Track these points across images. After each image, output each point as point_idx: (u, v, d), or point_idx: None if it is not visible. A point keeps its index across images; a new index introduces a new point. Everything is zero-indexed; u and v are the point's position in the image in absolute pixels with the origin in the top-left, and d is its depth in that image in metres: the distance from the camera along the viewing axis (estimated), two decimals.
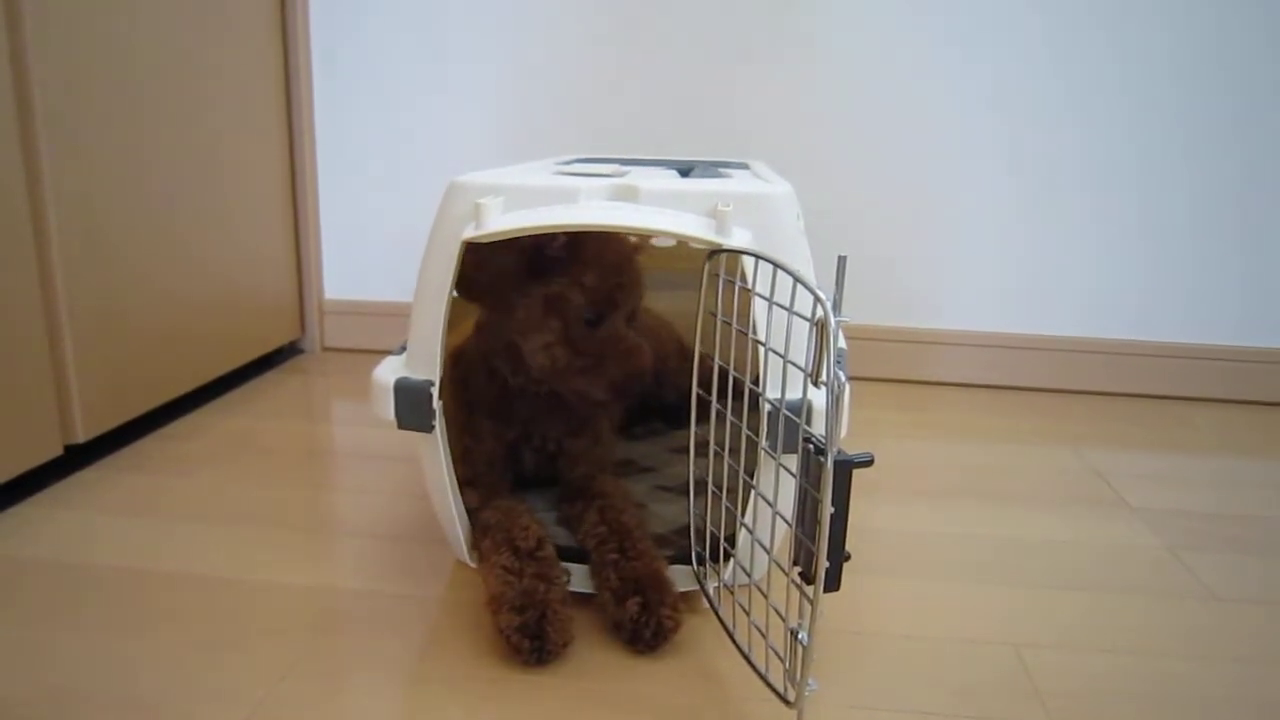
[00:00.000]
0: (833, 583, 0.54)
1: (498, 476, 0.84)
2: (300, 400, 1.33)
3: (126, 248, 1.08)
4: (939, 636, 0.74)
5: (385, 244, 1.54)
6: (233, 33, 1.28)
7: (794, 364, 0.60)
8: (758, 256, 0.61)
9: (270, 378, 1.42)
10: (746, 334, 0.65)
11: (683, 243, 0.69)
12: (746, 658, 0.63)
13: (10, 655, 0.68)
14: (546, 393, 0.81)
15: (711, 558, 0.72)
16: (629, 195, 0.68)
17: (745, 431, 0.64)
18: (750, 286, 0.64)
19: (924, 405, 1.37)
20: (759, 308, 0.65)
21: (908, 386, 1.47)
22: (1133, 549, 0.91)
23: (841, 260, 0.56)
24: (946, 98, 1.38)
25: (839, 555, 0.54)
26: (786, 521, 0.58)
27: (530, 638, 0.66)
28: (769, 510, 0.62)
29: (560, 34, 1.42)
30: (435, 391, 0.70)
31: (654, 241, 1.09)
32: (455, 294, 0.71)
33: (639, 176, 0.72)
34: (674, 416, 1.09)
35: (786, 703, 0.58)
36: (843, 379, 0.53)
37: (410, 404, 0.71)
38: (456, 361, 0.86)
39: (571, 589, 0.73)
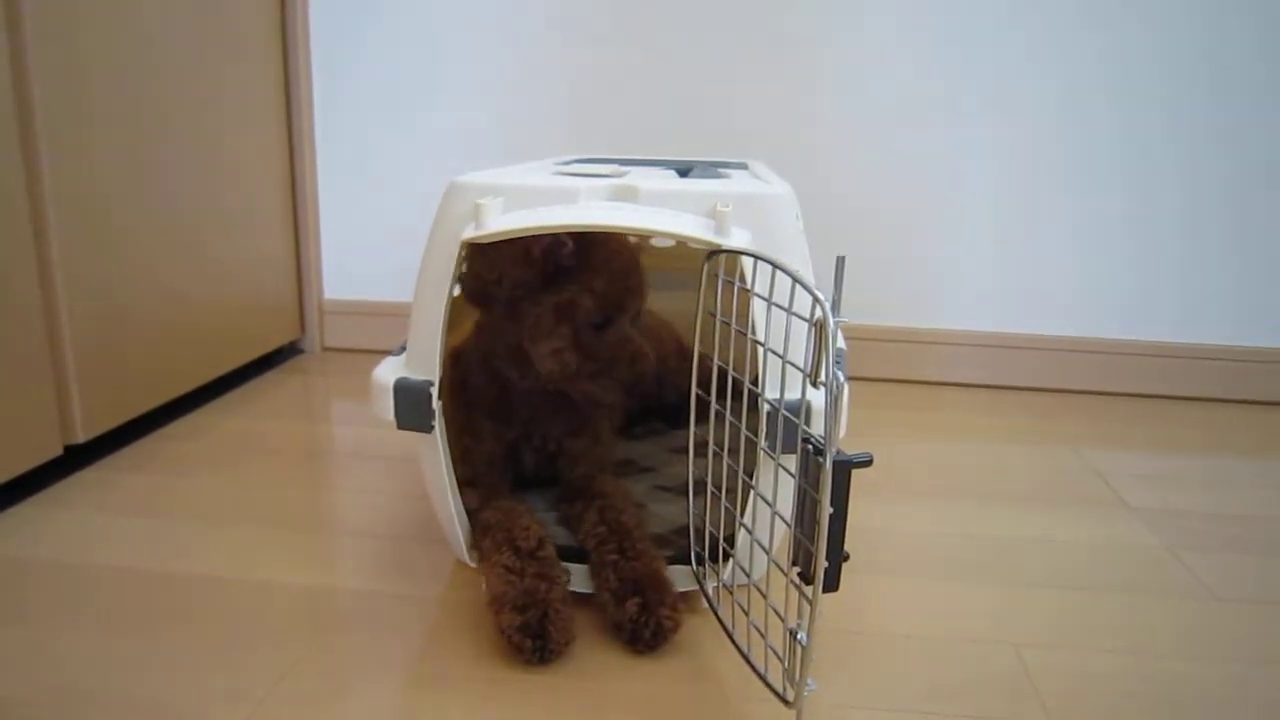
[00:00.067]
0: (832, 583, 0.54)
1: (498, 476, 0.84)
2: (300, 400, 1.33)
3: (126, 248, 1.08)
4: (938, 636, 0.74)
5: (385, 244, 1.54)
6: (233, 33, 1.28)
7: (793, 364, 0.60)
8: (757, 257, 0.61)
9: (270, 378, 1.42)
10: (746, 334, 0.65)
11: (682, 243, 0.69)
12: (746, 658, 0.64)
13: (10, 656, 0.68)
14: (548, 393, 0.81)
15: (711, 558, 0.72)
16: (628, 195, 0.68)
17: (744, 432, 0.64)
18: (749, 287, 0.64)
19: (923, 405, 1.37)
20: (758, 308, 0.65)
21: (907, 386, 1.47)
22: (1132, 549, 0.91)
23: (840, 261, 0.56)
24: (945, 98, 1.38)
25: (838, 555, 0.54)
26: (785, 522, 0.59)
27: (532, 637, 0.66)
28: (768, 510, 0.62)
29: (560, 34, 1.42)
30: (435, 392, 0.70)
31: (653, 241, 1.09)
32: (460, 294, 0.71)
33: (638, 177, 0.72)
34: (674, 416, 1.09)
35: (786, 703, 0.58)
36: (841, 379, 0.53)
37: (410, 404, 0.71)
38: (456, 361, 0.86)
39: (571, 589, 0.73)
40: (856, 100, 1.40)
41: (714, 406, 0.67)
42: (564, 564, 0.75)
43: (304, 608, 0.76)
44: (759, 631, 0.62)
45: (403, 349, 0.75)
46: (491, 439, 0.84)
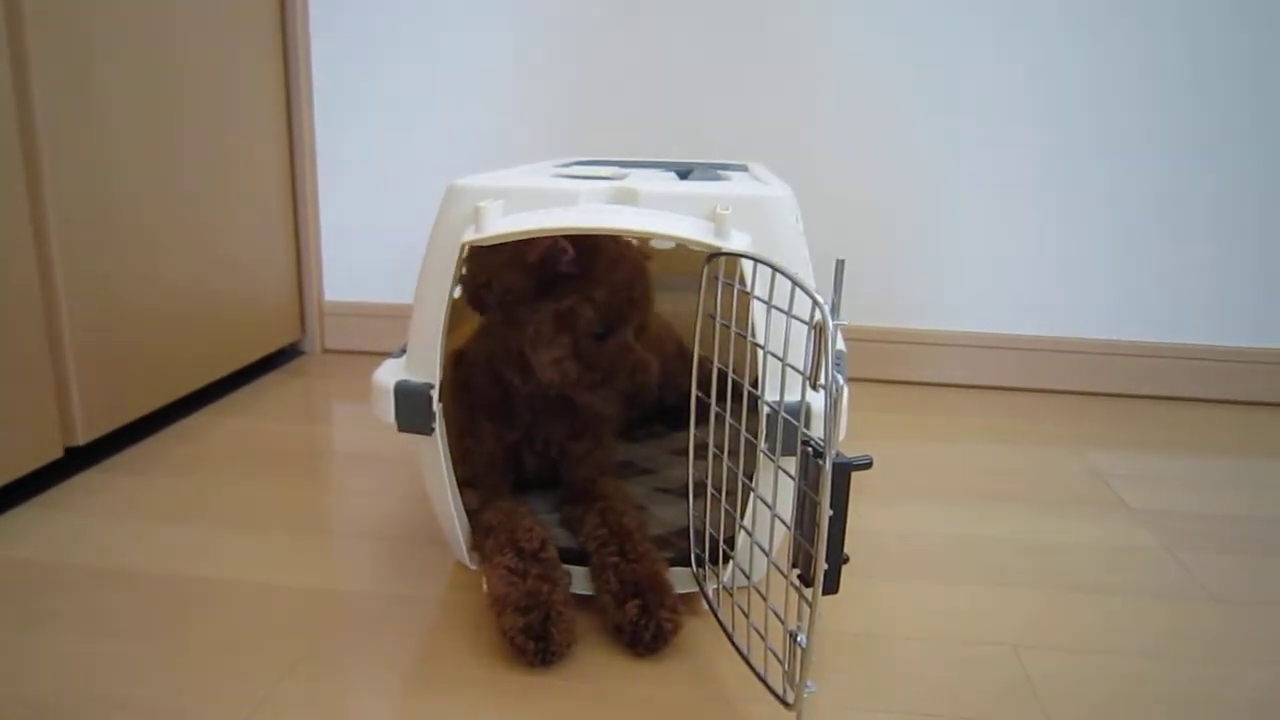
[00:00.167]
0: (831, 585, 0.54)
1: (498, 478, 0.84)
2: (301, 402, 1.33)
3: (127, 249, 1.08)
4: (937, 638, 0.74)
5: (385, 246, 1.54)
6: (233, 34, 1.28)
7: (792, 367, 0.60)
8: (756, 260, 0.61)
9: (271, 379, 1.42)
10: (745, 337, 0.65)
11: (682, 245, 0.69)
12: (746, 659, 0.64)
13: (10, 657, 0.68)
14: (550, 398, 0.81)
15: (711, 560, 0.72)
16: (628, 198, 0.68)
17: (744, 434, 0.64)
18: (749, 289, 0.64)
19: (922, 407, 1.38)
20: (758, 311, 0.65)
21: (907, 388, 1.47)
22: (1132, 550, 0.91)
23: (839, 264, 0.56)
24: (946, 99, 1.38)
25: (837, 557, 0.54)
26: (785, 524, 0.59)
27: (535, 639, 0.66)
28: (768, 512, 0.62)
29: (560, 34, 1.43)
30: (435, 394, 0.70)
31: (653, 243, 1.09)
32: (460, 296, 0.71)
33: (638, 179, 0.72)
34: (674, 418, 1.09)
35: (785, 704, 0.58)
36: (841, 382, 0.53)
37: (410, 406, 0.71)
38: (458, 362, 0.86)
39: (571, 591, 0.73)
40: (857, 101, 1.40)
41: (714, 409, 0.67)
42: (565, 566, 0.75)
43: (304, 609, 0.76)
44: (759, 633, 0.63)
45: (403, 351, 0.76)
46: (493, 440, 0.84)
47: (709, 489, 0.70)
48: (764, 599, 0.61)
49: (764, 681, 0.61)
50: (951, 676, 0.69)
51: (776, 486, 0.60)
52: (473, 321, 0.86)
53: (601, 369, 0.75)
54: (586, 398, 0.78)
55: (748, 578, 0.69)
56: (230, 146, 1.29)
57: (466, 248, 0.68)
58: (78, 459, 1.04)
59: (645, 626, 0.68)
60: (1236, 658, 0.73)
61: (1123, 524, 0.97)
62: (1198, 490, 1.07)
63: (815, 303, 0.53)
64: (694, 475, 0.73)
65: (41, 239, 0.95)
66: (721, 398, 0.66)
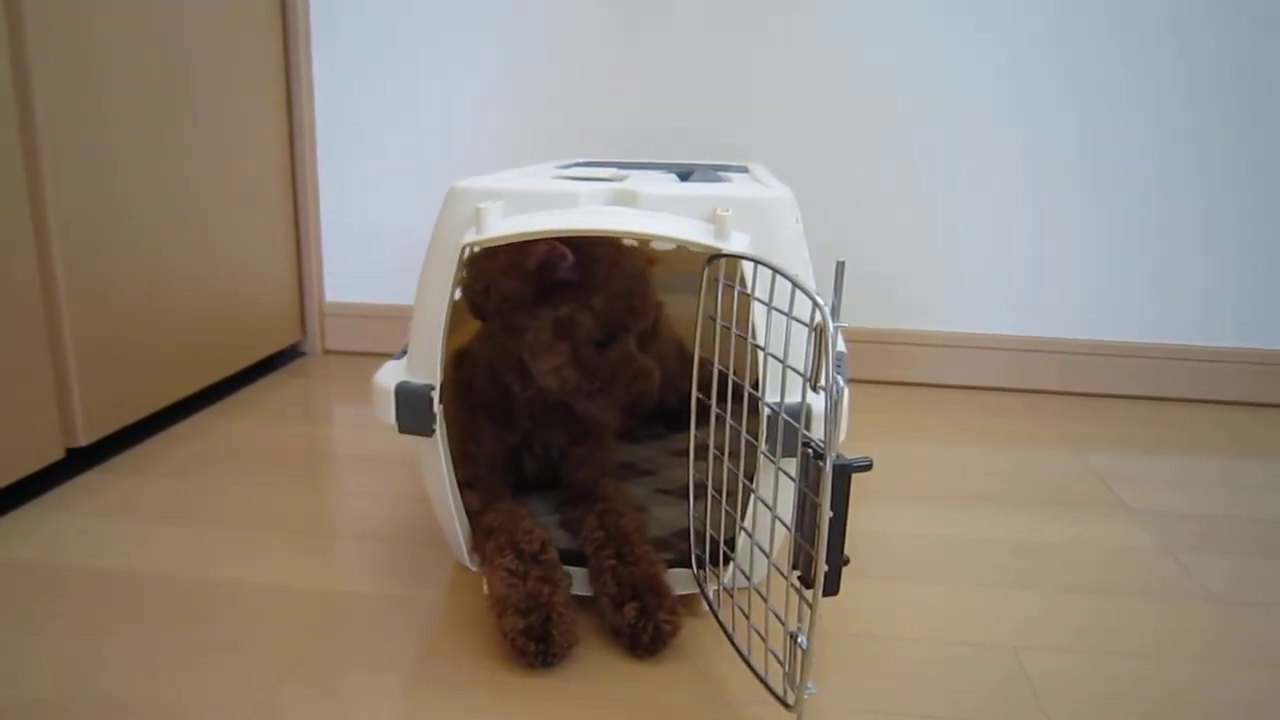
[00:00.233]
0: (832, 586, 0.54)
1: (499, 479, 0.84)
2: (301, 403, 1.33)
3: (128, 249, 1.08)
4: (938, 640, 0.74)
5: (386, 247, 1.54)
6: (234, 35, 1.28)
7: (793, 369, 0.61)
8: (757, 261, 0.61)
9: (272, 380, 1.42)
10: (746, 338, 0.65)
11: (682, 247, 0.69)
12: (746, 661, 0.64)
13: (11, 658, 0.68)
14: (551, 403, 0.81)
15: (711, 561, 0.72)
16: (628, 200, 0.68)
17: (745, 435, 0.64)
18: (749, 291, 0.64)
19: (923, 408, 1.38)
20: (758, 312, 0.65)
21: (907, 389, 1.47)
22: (1132, 551, 0.91)
23: (840, 265, 0.56)
24: (947, 99, 1.38)
25: (838, 559, 0.54)
26: (785, 525, 0.59)
27: (535, 641, 0.66)
28: (768, 514, 0.62)
29: (560, 34, 1.43)
30: (436, 396, 0.70)
31: (653, 245, 1.09)
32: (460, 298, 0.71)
33: (638, 181, 0.72)
34: (674, 420, 1.09)
35: (786, 706, 0.58)
36: (841, 384, 0.53)
37: (411, 408, 0.71)
38: (460, 362, 0.86)
39: (571, 592, 0.73)
40: (857, 102, 1.40)
41: (714, 410, 0.67)
42: (566, 567, 0.75)
43: (305, 610, 0.76)
44: (759, 635, 0.63)
45: (404, 352, 0.76)
46: (493, 442, 0.84)
47: (709, 490, 0.70)
48: (764, 600, 0.62)
49: (764, 683, 0.61)
50: (951, 676, 0.69)
51: (777, 488, 0.60)
52: (474, 323, 0.86)
53: (601, 377, 0.75)
54: (586, 405, 0.78)
55: (748, 579, 0.69)
56: (231, 146, 1.29)
57: (467, 249, 0.68)
58: (79, 460, 1.04)
59: (643, 629, 0.68)
60: (1236, 658, 0.73)
61: (1122, 524, 0.97)
62: (1197, 491, 1.07)
63: (815, 304, 0.53)
64: (694, 477, 0.73)
65: (42, 239, 0.95)
66: (722, 399, 0.66)
